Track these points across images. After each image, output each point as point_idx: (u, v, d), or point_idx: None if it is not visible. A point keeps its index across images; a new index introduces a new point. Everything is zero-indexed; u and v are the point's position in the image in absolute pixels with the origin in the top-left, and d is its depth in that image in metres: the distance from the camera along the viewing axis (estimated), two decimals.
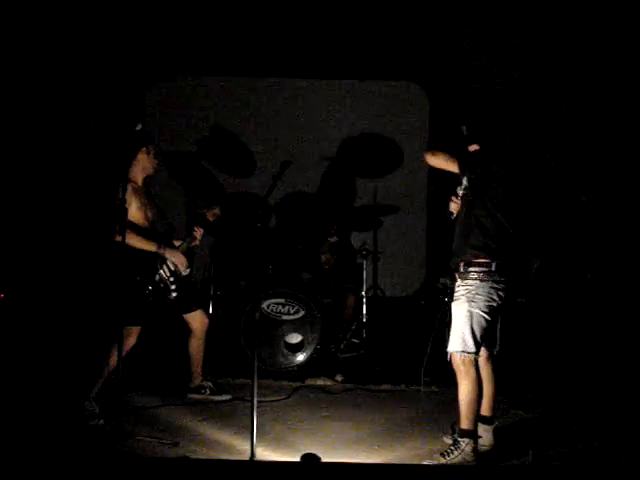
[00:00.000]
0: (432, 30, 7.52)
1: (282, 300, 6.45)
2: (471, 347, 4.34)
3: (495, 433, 4.58)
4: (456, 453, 4.34)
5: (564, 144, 7.29)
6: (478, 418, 4.49)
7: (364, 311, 7.14)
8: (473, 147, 4.67)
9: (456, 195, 4.66)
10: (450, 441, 4.59)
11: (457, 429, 4.45)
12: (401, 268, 8.24)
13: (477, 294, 4.37)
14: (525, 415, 5.30)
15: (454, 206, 4.68)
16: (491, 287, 4.38)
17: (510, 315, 4.82)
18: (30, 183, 7.06)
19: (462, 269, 4.47)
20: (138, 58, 7.80)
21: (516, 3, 7.11)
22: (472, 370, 4.37)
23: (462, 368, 4.38)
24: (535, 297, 6.70)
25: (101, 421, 4.87)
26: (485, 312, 4.36)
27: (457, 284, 4.50)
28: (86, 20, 7.16)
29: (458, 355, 4.38)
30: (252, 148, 8.29)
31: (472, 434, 4.38)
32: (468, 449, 4.35)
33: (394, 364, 6.72)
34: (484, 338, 4.40)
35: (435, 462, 4.33)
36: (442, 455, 4.37)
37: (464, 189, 4.55)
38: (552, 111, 7.35)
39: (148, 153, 5.25)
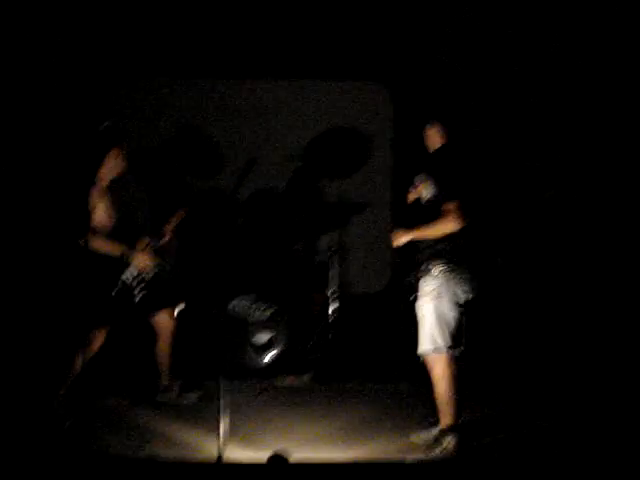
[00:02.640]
0: (396, 30, 7.53)
1: (249, 299, 6.44)
2: (441, 345, 4.37)
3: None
4: (439, 449, 4.40)
5: (528, 140, 7.35)
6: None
7: (331, 310, 7.15)
8: (435, 136, 4.63)
9: (414, 185, 4.64)
10: (417, 439, 4.66)
11: (439, 426, 4.51)
12: (367, 266, 8.25)
13: (442, 290, 4.39)
14: (492, 411, 5.36)
15: (412, 197, 4.65)
16: (456, 282, 4.41)
17: (474, 313, 4.87)
18: None
19: (424, 265, 4.48)
20: (106, 59, 7.73)
21: (483, 4, 7.15)
22: (446, 368, 4.39)
23: (436, 367, 4.41)
24: (499, 294, 6.76)
25: (68, 422, 4.86)
26: (452, 308, 4.39)
27: (421, 281, 4.51)
28: (59, 18, 7.07)
29: (430, 356, 4.42)
30: (219, 147, 8.26)
31: (454, 429, 4.43)
32: (451, 446, 4.40)
33: (362, 362, 6.75)
34: (454, 335, 4.43)
35: (419, 458, 4.37)
36: (425, 451, 4.41)
37: (431, 198, 4.51)
38: (517, 107, 7.40)
39: (119, 154, 5.21)
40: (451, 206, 4.32)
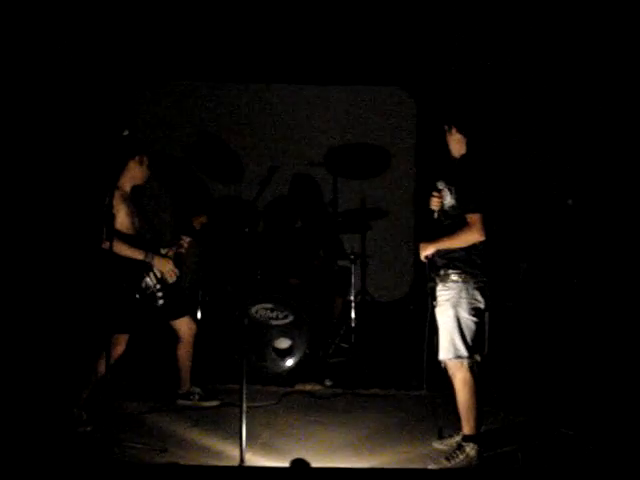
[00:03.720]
0: (419, 35, 7.52)
1: (271, 305, 6.43)
2: (463, 352, 4.34)
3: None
4: (461, 457, 4.36)
5: (550, 147, 7.31)
6: None
7: (352, 315, 7.12)
8: (457, 143, 4.61)
9: (437, 190, 4.61)
10: (440, 446, 4.64)
11: (461, 434, 4.47)
12: (389, 272, 8.24)
13: (461, 297, 4.36)
14: (513, 418, 5.31)
15: (436, 201, 4.57)
16: (474, 288, 4.38)
17: (498, 319, 4.83)
18: (16, 189, 7.02)
19: (442, 272, 4.46)
20: (128, 64, 7.78)
21: (502, 10, 7.12)
22: (468, 375, 4.36)
23: (457, 374, 4.38)
24: (523, 301, 6.71)
25: (89, 428, 4.87)
26: (471, 314, 4.36)
27: (439, 288, 4.48)
28: (75, 25, 7.11)
29: (452, 362, 4.39)
30: (240, 153, 8.28)
31: (477, 436, 4.39)
32: (473, 453, 4.36)
33: (383, 368, 6.72)
34: (475, 341, 4.40)
35: (440, 466, 4.34)
36: (447, 459, 4.38)
37: (453, 207, 4.49)
38: (538, 115, 7.37)
39: (140, 163, 5.23)
40: (474, 218, 4.32)
